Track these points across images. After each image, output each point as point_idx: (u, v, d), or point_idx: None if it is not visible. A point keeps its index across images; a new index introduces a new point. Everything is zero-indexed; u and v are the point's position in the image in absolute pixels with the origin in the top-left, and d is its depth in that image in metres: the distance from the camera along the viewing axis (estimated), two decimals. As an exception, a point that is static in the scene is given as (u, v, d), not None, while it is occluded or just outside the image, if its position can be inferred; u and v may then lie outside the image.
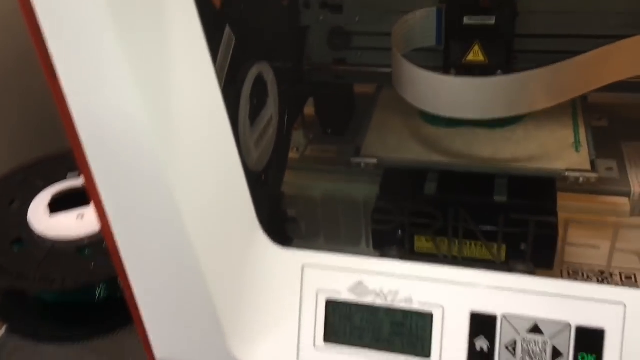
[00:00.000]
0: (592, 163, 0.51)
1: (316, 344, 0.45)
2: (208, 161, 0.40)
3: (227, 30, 0.41)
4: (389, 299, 0.44)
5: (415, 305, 0.43)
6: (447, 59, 0.52)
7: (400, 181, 0.52)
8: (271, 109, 0.50)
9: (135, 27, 0.34)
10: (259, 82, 0.47)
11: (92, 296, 0.60)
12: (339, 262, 0.45)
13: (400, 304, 0.43)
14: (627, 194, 0.55)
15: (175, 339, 0.46)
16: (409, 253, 0.50)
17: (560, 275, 0.50)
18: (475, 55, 0.51)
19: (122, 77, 0.34)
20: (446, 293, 0.43)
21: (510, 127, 0.56)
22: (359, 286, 0.44)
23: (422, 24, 0.54)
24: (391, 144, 0.56)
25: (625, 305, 0.40)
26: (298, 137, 0.69)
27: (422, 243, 0.50)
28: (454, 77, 0.48)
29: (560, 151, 0.52)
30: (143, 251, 0.42)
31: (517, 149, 0.53)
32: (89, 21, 0.33)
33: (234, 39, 0.42)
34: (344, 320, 0.45)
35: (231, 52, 0.42)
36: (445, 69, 0.52)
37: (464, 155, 0.53)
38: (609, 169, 0.51)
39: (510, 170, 0.51)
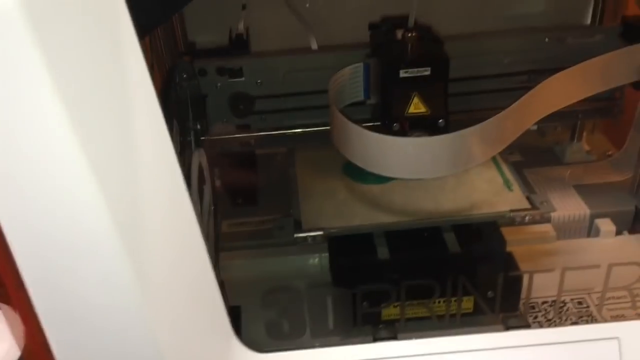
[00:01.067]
0: (529, 200, 0.53)
1: None
2: (180, 267, 0.34)
3: (174, 122, 0.36)
4: (389, 384, 0.41)
5: (418, 385, 0.41)
6: (389, 113, 0.51)
7: (350, 250, 0.50)
8: (208, 196, 0.45)
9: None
10: (200, 170, 0.42)
11: None
12: (328, 356, 0.41)
13: (402, 387, 0.41)
14: (548, 220, 0.58)
15: None
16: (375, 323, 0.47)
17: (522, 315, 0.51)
18: (417, 107, 0.51)
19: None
20: (446, 365, 0.41)
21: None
22: (355, 377, 0.41)
23: (350, 80, 0.52)
24: (330, 211, 0.53)
25: (619, 340, 0.41)
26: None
27: (389, 310, 0.48)
28: (408, 138, 0.47)
29: (496, 193, 0.54)
30: None
31: (455, 197, 0.54)
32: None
33: (179, 129, 0.37)
34: (344, 418, 0.40)
35: (178, 143, 0.37)
36: (385, 124, 0.51)
37: (408, 211, 0.52)
38: (543, 202, 0.53)
39: (459, 220, 0.51)
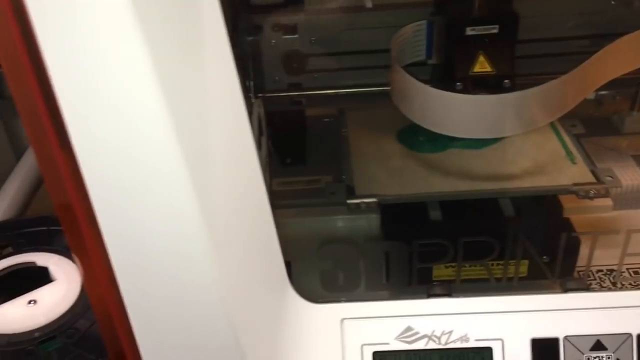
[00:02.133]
0: (594, 173, 0.51)
1: (367, 404, 0.41)
2: (242, 214, 0.35)
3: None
4: (443, 340, 0.40)
5: (472, 343, 0.40)
6: (452, 72, 0.50)
7: (402, 213, 0.49)
8: (265, 149, 0.45)
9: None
10: (259, 120, 0.42)
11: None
12: (381, 310, 0.41)
13: (456, 343, 0.40)
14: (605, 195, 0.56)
15: None
16: (426, 282, 0.46)
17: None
18: (482, 66, 0.50)
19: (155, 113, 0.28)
20: (503, 324, 0.40)
21: (496, 146, 0.55)
22: (407, 332, 0.40)
23: (413, 38, 0.51)
24: (383, 178, 0.52)
25: (682, 307, 0.40)
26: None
27: (440, 271, 0.47)
28: (469, 95, 0.46)
29: (558, 165, 0.52)
30: (163, 323, 0.35)
31: (515, 168, 0.52)
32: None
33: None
34: (396, 372, 0.41)
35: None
36: (448, 83, 0.50)
37: (465, 181, 0.51)
38: (609, 176, 0.52)
39: (519, 193, 0.50)
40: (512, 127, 0.45)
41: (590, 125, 0.66)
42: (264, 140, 0.44)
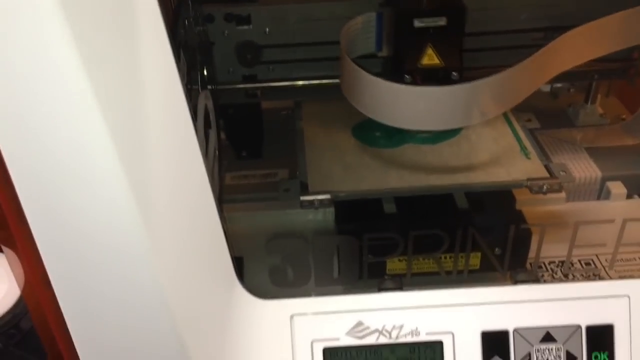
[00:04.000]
0: (547, 169, 0.51)
1: (318, 401, 0.40)
2: (184, 208, 0.33)
3: (182, 56, 0.34)
4: (394, 334, 0.40)
5: (423, 337, 0.40)
6: (400, 65, 0.50)
7: (356, 208, 0.49)
8: (213, 143, 0.44)
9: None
10: (205, 112, 0.40)
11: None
12: (331, 305, 0.40)
13: (407, 338, 0.40)
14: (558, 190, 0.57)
15: None
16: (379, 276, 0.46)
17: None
18: (430, 58, 0.49)
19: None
20: (453, 317, 0.40)
21: (452, 141, 0.55)
22: (358, 327, 0.40)
23: (362, 29, 0.51)
24: (337, 174, 0.51)
25: (629, 297, 0.40)
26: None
27: (394, 264, 0.47)
28: (419, 87, 0.45)
29: (512, 160, 0.52)
30: (101, 323, 0.34)
31: (469, 164, 0.52)
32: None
33: (186, 64, 0.35)
34: (346, 368, 0.40)
35: (185, 80, 0.35)
36: (397, 75, 0.49)
37: (420, 176, 0.50)
38: (563, 171, 0.52)
39: (473, 187, 0.50)
40: (463, 118, 0.44)
41: (545, 117, 0.66)
42: (212, 133, 0.43)
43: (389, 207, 0.49)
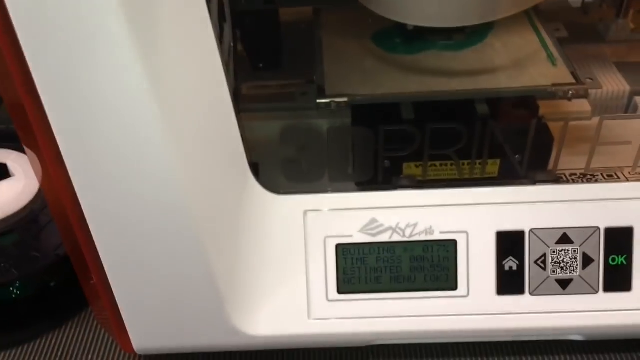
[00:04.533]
0: (574, 75, 0.49)
1: (329, 297, 0.40)
2: (200, 97, 0.33)
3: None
4: (407, 232, 0.40)
5: (437, 235, 0.39)
6: None
7: (374, 114, 0.48)
8: (228, 38, 0.43)
9: None
10: (221, 5, 0.39)
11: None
12: (345, 202, 0.40)
13: (421, 236, 0.40)
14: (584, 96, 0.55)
15: (162, 322, 0.39)
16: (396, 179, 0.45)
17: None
18: None
19: None
20: (468, 216, 0.39)
21: (476, 47, 0.53)
22: (372, 224, 0.40)
23: None
24: (355, 79, 0.50)
25: (653, 199, 0.39)
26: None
27: (411, 170, 0.46)
28: None
29: (538, 66, 0.50)
30: (119, 216, 0.34)
31: (493, 69, 0.50)
32: None
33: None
34: (359, 265, 0.40)
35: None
36: None
37: (441, 81, 0.49)
38: (589, 79, 0.50)
39: (494, 93, 0.48)
40: (482, 13, 0.42)
41: (575, 31, 0.63)
42: (227, 27, 0.42)
43: (408, 113, 0.48)
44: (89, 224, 0.34)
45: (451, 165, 0.46)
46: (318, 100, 0.49)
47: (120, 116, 0.30)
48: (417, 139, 0.42)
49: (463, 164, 0.46)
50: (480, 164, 0.46)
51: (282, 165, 0.42)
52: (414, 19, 0.43)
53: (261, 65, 0.63)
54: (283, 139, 0.42)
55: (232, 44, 0.43)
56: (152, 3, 0.29)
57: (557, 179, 0.40)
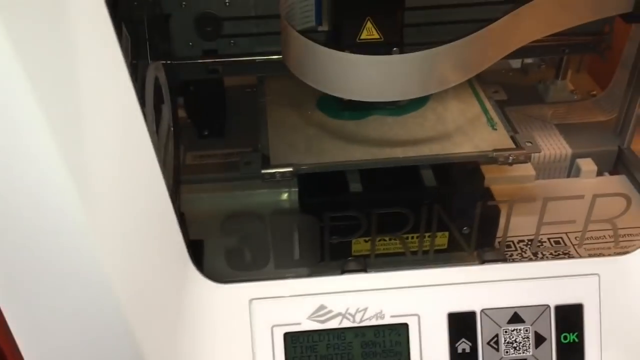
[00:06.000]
0: (513, 139, 0.50)
1: (278, 386, 0.38)
2: (129, 187, 0.31)
3: (124, 30, 0.31)
4: (358, 318, 0.38)
5: (388, 319, 0.38)
6: (339, 40, 0.48)
7: (320, 185, 0.47)
8: (167, 118, 0.41)
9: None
10: (156, 86, 0.38)
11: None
12: (292, 289, 0.38)
13: (371, 321, 0.38)
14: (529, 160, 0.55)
15: None
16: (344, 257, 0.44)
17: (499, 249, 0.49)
18: (369, 32, 0.47)
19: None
20: (419, 298, 0.38)
21: (418, 112, 0.53)
22: (320, 311, 0.38)
23: (300, 4, 0.48)
24: (300, 147, 0.49)
25: (599, 276, 0.39)
26: (173, 144, 0.59)
27: (360, 245, 0.45)
28: (369, 56, 0.43)
29: (479, 131, 0.50)
30: (41, 310, 0.31)
31: (435, 135, 0.50)
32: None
33: (129, 38, 0.33)
34: (308, 353, 0.38)
35: (129, 54, 0.33)
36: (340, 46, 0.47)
37: (384, 148, 0.48)
38: (529, 142, 0.50)
39: (439, 159, 0.48)
40: (419, 88, 0.42)
41: (515, 93, 0.65)
42: (165, 108, 0.40)
43: (355, 186, 0.47)
44: (8, 321, 0.32)
45: (398, 239, 0.45)
46: (263, 171, 0.47)
47: (38, 206, 0.28)
48: (363, 223, 0.41)
49: (412, 237, 0.46)
50: (429, 236, 0.45)
51: (225, 254, 0.40)
52: (351, 94, 0.43)
53: (206, 132, 0.62)
54: (224, 230, 0.40)
55: (170, 125, 0.42)
56: (74, 100, 0.28)
57: (504, 258, 0.40)
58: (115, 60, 0.29)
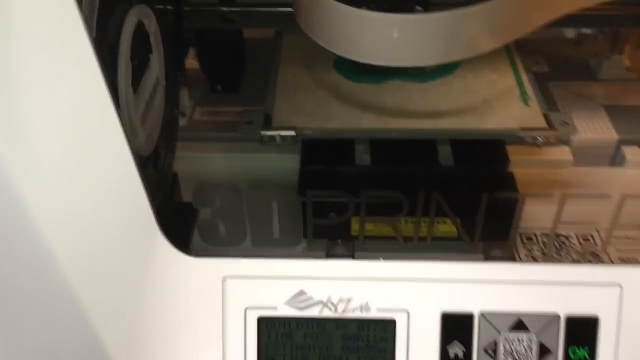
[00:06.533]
0: (546, 118, 0.44)
1: (249, 375, 0.35)
2: (81, 157, 0.28)
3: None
4: (340, 308, 0.35)
5: (374, 313, 0.34)
6: None
7: (324, 152, 0.42)
8: (156, 70, 0.38)
9: None
10: (139, 34, 0.34)
11: None
12: (270, 269, 0.35)
13: (355, 313, 0.34)
14: (566, 143, 0.49)
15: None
16: (345, 237, 0.40)
17: (515, 246, 0.44)
18: None
19: None
20: (410, 293, 0.34)
21: (445, 79, 0.48)
22: (300, 296, 0.35)
23: None
24: (308, 108, 0.45)
25: (621, 287, 0.33)
26: (181, 97, 0.56)
27: (354, 225, 0.41)
28: (383, 13, 0.38)
29: (508, 106, 0.45)
30: None
31: (458, 106, 0.45)
32: None
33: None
34: (283, 341, 0.35)
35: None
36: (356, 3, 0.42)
37: (400, 117, 0.43)
38: (564, 123, 0.44)
39: (456, 133, 0.43)
40: (441, 54, 0.37)
41: (563, 67, 0.58)
42: (154, 58, 0.37)
43: (363, 160, 0.43)
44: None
45: (406, 221, 0.41)
46: (262, 132, 0.43)
47: None
48: (354, 204, 0.36)
49: (408, 222, 0.41)
50: (431, 222, 0.41)
51: (197, 226, 0.37)
52: (367, 57, 0.38)
53: (219, 87, 0.58)
54: (196, 200, 0.37)
55: (161, 77, 0.38)
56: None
57: (512, 256, 0.35)
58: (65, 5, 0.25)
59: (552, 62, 0.58)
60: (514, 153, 0.46)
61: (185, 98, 0.56)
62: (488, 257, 0.35)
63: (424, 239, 0.38)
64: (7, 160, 0.24)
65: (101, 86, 0.27)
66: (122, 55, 0.32)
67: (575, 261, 0.39)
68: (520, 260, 0.38)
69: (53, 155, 0.26)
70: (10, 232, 0.26)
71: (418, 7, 0.44)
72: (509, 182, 0.41)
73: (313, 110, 0.45)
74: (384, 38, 0.35)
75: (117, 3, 0.32)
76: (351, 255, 0.35)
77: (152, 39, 0.37)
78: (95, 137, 0.28)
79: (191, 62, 0.58)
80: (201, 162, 0.46)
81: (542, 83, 0.53)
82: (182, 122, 0.53)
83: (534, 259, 0.42)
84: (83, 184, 0.28)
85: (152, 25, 0.36)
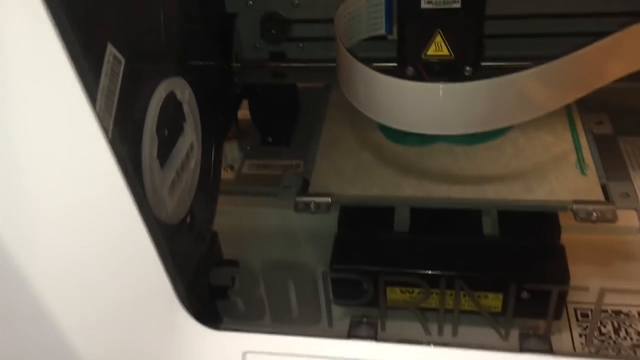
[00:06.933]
0: (604, 189, 0.40)
1: None
2: (90, 236, 0.28)
3: (110, 49, 0.28)
4: (361, 392, 0.33)
5: (396, 400, 0.33)
6: (402, 54, 0.41)
7: (362, 218, 0.41)
8: (190, 136, 0.38)
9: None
10: (170, 104, 0.34)
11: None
12: (291, 346, 0.34)
13: (376, 398, 0.33)
14: (634, 207, 0.45)
15: None
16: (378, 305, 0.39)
17: (568, 323, 0.40)
18: (438, 48, 0.40)
19: None
20: (436, 382, 0.32)
21: (495, 142, 0.45)
22: (319, 376, 0.33)
23: (368, 9, 0.42)
24: (347, 173, 0.44)
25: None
26: (231, 149, 0.57)
27: (396, 295, 0.39)
28: (419, 82, 0.36)
29: (562, 174, 0.41)
30: None
31: (506, 172, 0.42)
32: None
33: (123, 59, 0.29)
34: (303, 421, 0.34)
35: (120, 75, 0.29)
36: (399, 67, 0.41)
37: (442, 181, 0.41)
38: (625, 194, 0.41)
39: (500, 205, 0.40)
40: (480, 122, 0.35)
41: (632, 119, 0.54)
42: (188, 127, 0.37)
43: (401, 225, 0.41)
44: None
45: (450, 294, 0.38)
46: (297, 198, 0.43)
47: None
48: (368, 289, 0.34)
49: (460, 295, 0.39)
50: (479, 297, 0.38)
51: (218, 303, 0.36)
52: (412, 126, 0.37)
53: (270, 139, 0.59)
54: (213, 278, 0.36)
55: (194, 143, 0.38)
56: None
57: (550, 349, 0.32)
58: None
59: (620, 114, 0.54)
60: (571, 217, 0.42)
61: (235, 151, 0.57)
62: (522, 348, 0.32)
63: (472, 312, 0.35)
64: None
65: (118, 181, 0.28)
66: (147, 130, 0.32)
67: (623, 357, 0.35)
68: (559, 354, 0.34)
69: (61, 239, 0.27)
70: (21, 312, 0.27)
71: (468, 68, 0.42)
72: (560, 256, 0.38)
73: (353, 175, 0.44)
74: (427, 107, 0.34)
75: (145, 79, 0.32)
76: (374, 337, 0.33)
77: (185, 107, 0.37)
78: (106, 215, 0.29)
79: (245, 112, 0.59)
80: (243, 216, 0.46)
81: (612, 139, 0.50)
82: (230, 174, 0.54)
83: (585, 338, 0.38)
84: (98, 263, 0.28)
85: (185, 93, 0.37)
